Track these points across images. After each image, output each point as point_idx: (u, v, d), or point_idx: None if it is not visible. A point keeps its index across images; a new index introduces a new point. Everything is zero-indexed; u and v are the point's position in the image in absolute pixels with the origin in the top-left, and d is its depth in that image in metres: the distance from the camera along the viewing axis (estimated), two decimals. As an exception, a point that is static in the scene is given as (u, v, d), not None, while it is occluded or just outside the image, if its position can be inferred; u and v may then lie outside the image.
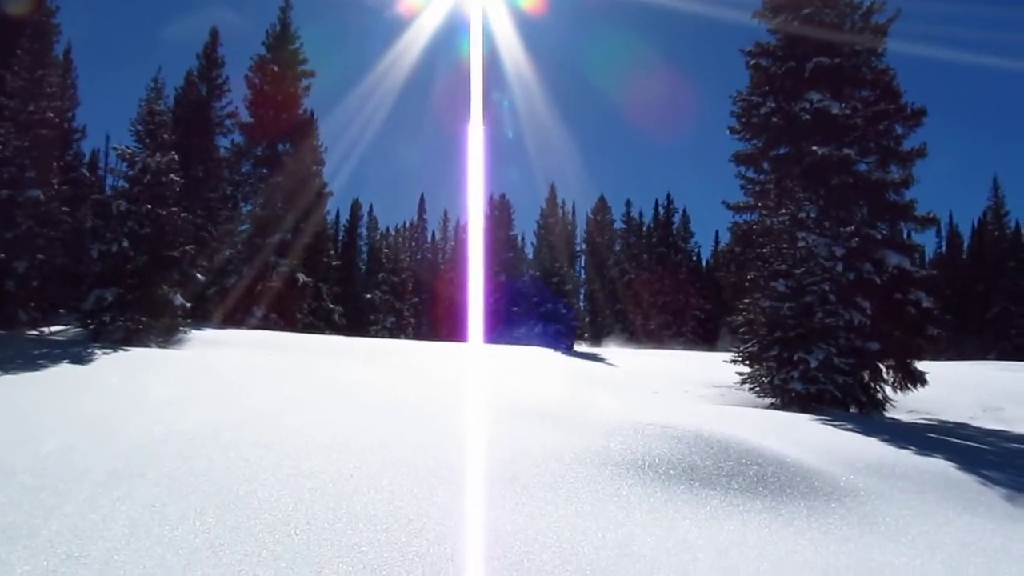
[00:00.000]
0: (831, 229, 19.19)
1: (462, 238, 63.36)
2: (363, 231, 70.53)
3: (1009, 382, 24.14)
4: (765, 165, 21.48)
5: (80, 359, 14.07)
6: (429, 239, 72.72)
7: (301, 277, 34.85)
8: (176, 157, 20.39)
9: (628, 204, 68.50)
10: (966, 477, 9.00)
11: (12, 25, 20.89)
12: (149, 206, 18.95)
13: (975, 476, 9.08)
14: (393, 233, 71.21)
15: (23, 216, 18.40)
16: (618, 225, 67.94)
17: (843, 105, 19.87)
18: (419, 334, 49.33)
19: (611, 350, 36.31)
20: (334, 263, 41.30)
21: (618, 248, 65.57)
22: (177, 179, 20.10)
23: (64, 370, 12.78)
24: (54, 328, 19.64)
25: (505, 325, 43.05)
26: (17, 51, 19.48)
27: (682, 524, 6.31)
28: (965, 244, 63.93)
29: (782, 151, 21.09)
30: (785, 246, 18.19)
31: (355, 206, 68.71)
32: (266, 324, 31.65)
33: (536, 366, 23.44)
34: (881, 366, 19.28)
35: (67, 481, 5.92)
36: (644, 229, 67.72)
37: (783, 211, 18.83)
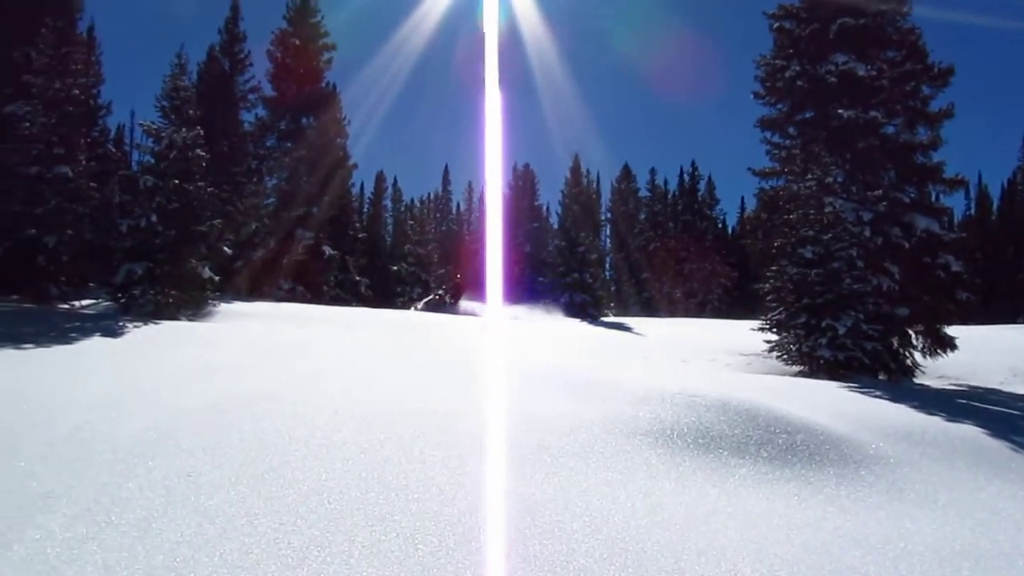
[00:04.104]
0: (858, 193, 18.99)
1: (486, 209, 63.31)
2: (388, 203, 70.85)
3: (1041, 346, 23.83)
4: (791, 130, 21.22)
5: (111, 332, 14.25)
6: (454, 210, 72.83)
7: (327, 249, 35.10)
8: (201, 132, 20.51)
9: (652, 172, 67.72)
10: (996, 443, 8.93)
11: (36, 3, 20.97)
12: (176, 181, 19.11)
13: (1006, 442, 9.00)
14: (418, 205, 71.35)
15: (52, 192, 18.66)
16: (643, 193, 67.31)
17: (869, 66, 19.55)
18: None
19: (637, 319, 36.20)
20: (360, 235, 41.50)
21: (643, 217, 65.08)
22: (203, 154, 20.24)
23: (96, 343, 12.94)
24: (85, 302, 19.92)
25: (531, 295, 43.08)
26: (41, 29, 19.60)
27: (711, 492, 6.33)
28: (994, 206, 62.78)
29: (807, 115, 20.84)
30: (812, 212, 18.03)
31: (379, 178, 69.03)
32: (293, 296, 31.94)
33: (563, 336, 23.49)
34: (910, 332, 19.12)
35: (103, 451, 6.03)
36: (669, 197, 67.05)
37: (809, 176, 18.63)
